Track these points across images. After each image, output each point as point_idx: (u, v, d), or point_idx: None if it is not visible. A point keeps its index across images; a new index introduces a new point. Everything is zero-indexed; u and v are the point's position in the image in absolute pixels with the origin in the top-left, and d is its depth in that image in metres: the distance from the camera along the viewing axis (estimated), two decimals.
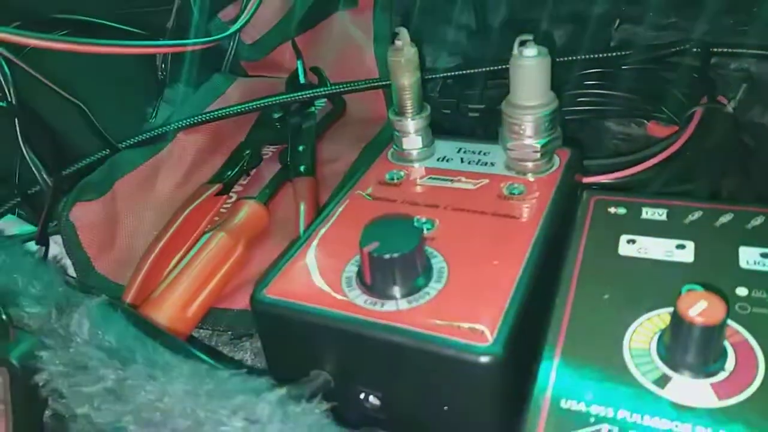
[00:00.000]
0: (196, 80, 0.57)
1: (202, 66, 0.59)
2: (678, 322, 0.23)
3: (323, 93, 0.53)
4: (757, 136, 0.44)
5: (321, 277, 0.29)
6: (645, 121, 0.47)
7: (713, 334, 0.22)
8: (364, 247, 0.27)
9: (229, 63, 0.61)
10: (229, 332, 0.38)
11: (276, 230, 0.45)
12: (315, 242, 0.32)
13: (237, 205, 0.44)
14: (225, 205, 0.47)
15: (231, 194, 0.48)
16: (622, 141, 0.47)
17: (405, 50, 0.35)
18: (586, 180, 0.38)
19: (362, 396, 0.29)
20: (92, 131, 0.44)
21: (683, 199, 0.32)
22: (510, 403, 0.25)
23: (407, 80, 0.36)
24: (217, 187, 0.47)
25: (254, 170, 0.51)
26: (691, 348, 0.23)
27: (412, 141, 0.37)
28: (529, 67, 0.32)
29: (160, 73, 0.57)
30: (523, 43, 0.32)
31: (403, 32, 0.35)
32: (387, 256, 0.26)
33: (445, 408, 0.26)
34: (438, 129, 0.39)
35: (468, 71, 0.51)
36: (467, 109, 0.52)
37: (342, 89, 0.54)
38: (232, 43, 0.60)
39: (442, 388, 0.26)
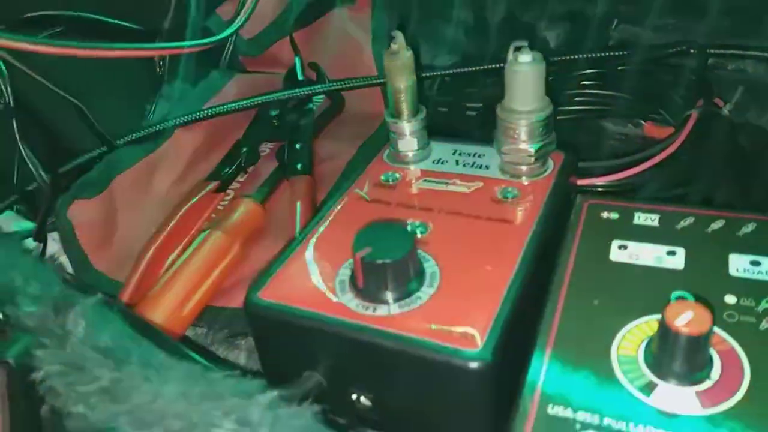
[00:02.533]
0: (194, 76, 0.57)
1: (200, 62, 0.59)
2: (665, 331, 0.23)
3: (321, 90, 0.53)
4: (753, 139, 0.44)
5: (314, 280, 0.30)
6: (642, 122, 0.47)
7: (699, 343, 0.23)
8: (356, 253, 0.27)
9: (227, 59, 0.61)
10: (225, 330, 0.38)
11: (273, 228, 0.45)
12: (309, 245, 0.32)
13: (234, 204, 0.44)
14: (222, 203, 0.47)
15: (228, 191, 0.49)
16: (619, 141, 0.47)
17: (401, 54, 0.35)
18: (581, 182, 0.38)
19: (354, 397, 0.29)
20: (90, 129, 0.44)
21: (676, 204, 0.32)
22: (500, 406, 0.25)
23: (403, 83, 0.36)
24: (214, 184, 0.47)
25: (252, 167, 0.51)
26: (677, 357, 0.23)
27: (408, 143, 0.37)
28: (524, 73, 0.32)
29: (158, 69, 0.57)
30: (518, 49, 0.32)
31: (399, 36, 0.35)
32: (379, 261, 0.27)
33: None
34: (435, 127, 0.39)
35: (466, 69, 0.51)
36: (465, 108, 0.52)
37: (340, 86, 0.54)
38: (230, 39, 0.60)
39: (432, 391, 0.26)
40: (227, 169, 0.49)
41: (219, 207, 0.47)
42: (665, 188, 0.37)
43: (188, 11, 0.54)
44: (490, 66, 0.50)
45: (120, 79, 0.53)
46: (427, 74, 0.51)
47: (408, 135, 0.37)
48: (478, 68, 0.50)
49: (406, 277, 0.27)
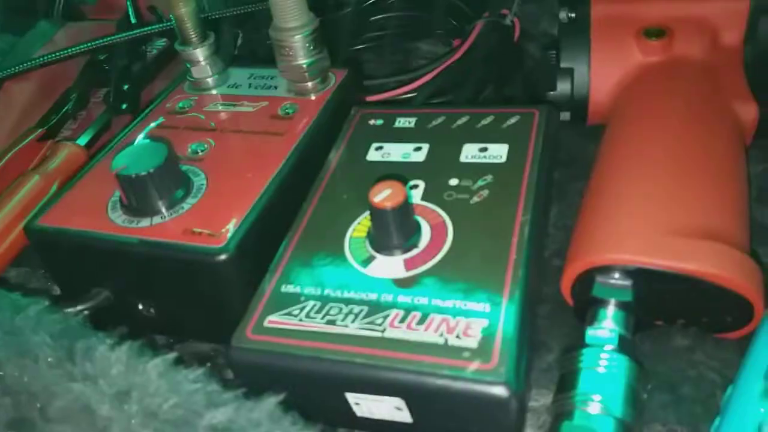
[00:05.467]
0: (23, 27, 0.57)
1: (30, 14, 0.59)
2: (371, 209, 0.26)
3: (145, 31, 0.54)
4: (540, 43, 0.47)
5: (90, 204, 0.31)
6: (451, 40, 0.50)
7: (397, 215, 0.26)
8: (113, 170, 0.29)
9: (59, 8, 0.60)
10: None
11: None
12: (91, 173, 0.34)
13: (54, 148, 0.45)
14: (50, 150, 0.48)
15: (59, 139, 0.49)
16: (428, 60, 0.50)
17: None
18: (370, 99, 0.41)
19: (141, 307, 0.31)
20: None
21: (431, 107, 0.36)
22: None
23: (182, 8, 0.37)
24: (39, 132, 0.47)
25: (83, 114, 0.52)
26: (381, 229, 0.27)
27: (202, 70, 0.39)
28: None
29: None
30: None
31: None
32: (132, 175, 0.29)
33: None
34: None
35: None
36: None
37: (164, 26, 0.54)
38: None
39: (194, 287, 0.29)
40: (54, 117, 0.49)
41: (47, 154, 0.47)
42: (446, 93, 0.40)
43: None
44: None
45: None
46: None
47: (201, 61, 0.39)
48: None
49: (164, 189, 0.30)
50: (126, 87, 0.50)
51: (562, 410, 0.23)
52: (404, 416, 0.24)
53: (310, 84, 0.37)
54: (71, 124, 0.51)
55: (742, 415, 0.20)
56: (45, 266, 0.33)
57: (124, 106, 0.48)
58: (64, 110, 0.50)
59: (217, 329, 0.30)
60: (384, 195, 0.26)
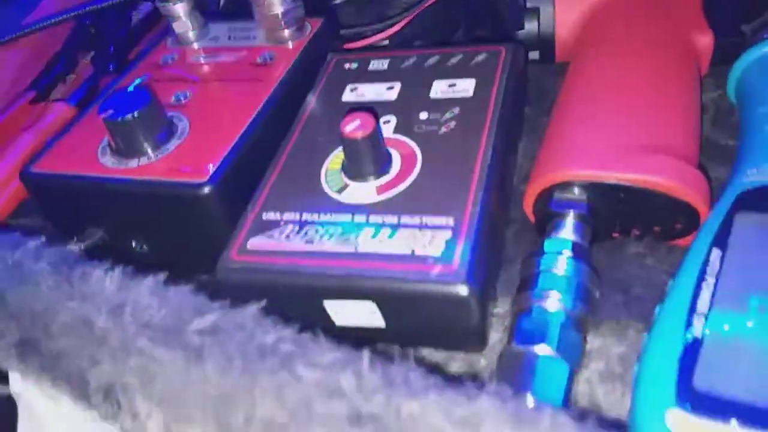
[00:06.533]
0: None
1: None
2: (342, 139, 0.28)
3: None
4: None
5: (81, 150, 0.33)
6: None
7: (367, 144, 0.28)
8: (100, 114, 0.31)
9: None
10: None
11: None
12: (81, 122, 0.35)
13: (46, 108, 0.46)
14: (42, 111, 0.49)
15: (49, 101, 0.51)
16: (405, 9, 0.51)
17: None
18: (348, 47, 0.42)
19: (134, 245, 0.33)
20: None
21: (404, 48, 0.37)
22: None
23: None
24: (30, 95, 0.49)
25: (72, 76, 0.53)
26: (353, 158, 0.28)
27: (182, 24, 0.40)
28: None
29: None
30: None
31: None
32: (118, 119, 0.30)
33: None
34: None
35: None
36: None
37: None
38: None
39: (181, 221, 0.31)
40: (44, 80, 0.51)
41: (39, 115, 0.49)
42: (419, 38, 0.42)
43: None
44: None
45: None
46: None
47: (182, 16, 0.40)
48: None
49: (149, 131, 0.31)
50: (112, 49, 0.52)
51: (521, 307, 0.25)
52: (378, 320, 0.26)
53: (286, 32, 0.38)
54: (61, 86, 0.52)
55: (679, 298, 0.22)
56: (42, 211, 0.35)
57: (111, 67, 0.50)
58: (53, 74, 0.52)
59: (206, 260, 0.33)
60: (354, 125, 0.28)
